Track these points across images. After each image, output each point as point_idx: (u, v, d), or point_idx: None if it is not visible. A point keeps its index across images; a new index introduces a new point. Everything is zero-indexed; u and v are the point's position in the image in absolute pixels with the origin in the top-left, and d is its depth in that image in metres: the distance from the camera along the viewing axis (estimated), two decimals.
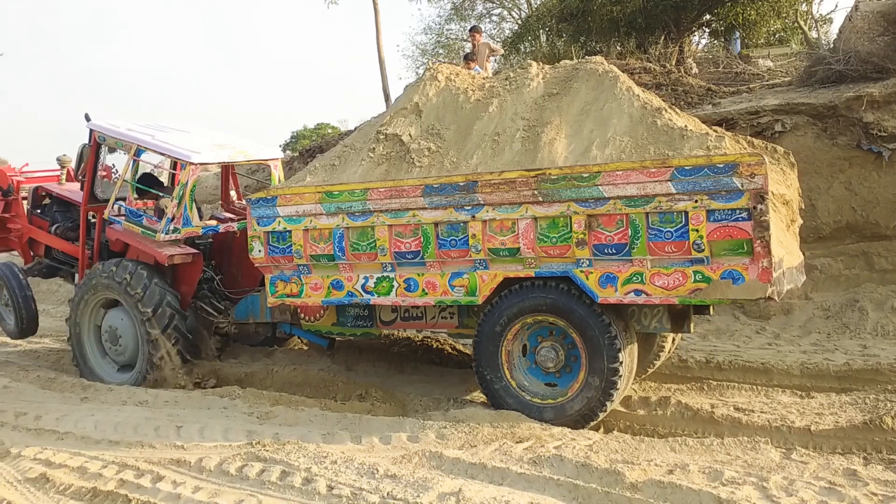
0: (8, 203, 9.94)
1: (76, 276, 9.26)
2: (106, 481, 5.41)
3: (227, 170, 9.69)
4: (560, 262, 6.07)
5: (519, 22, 23.32)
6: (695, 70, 14.69)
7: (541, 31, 18.23)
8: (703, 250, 5.55)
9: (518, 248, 6.13)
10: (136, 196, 8.85)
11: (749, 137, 7.11)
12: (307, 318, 7.72)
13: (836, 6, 41.42)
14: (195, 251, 8.37)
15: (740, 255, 5.50)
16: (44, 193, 9.85)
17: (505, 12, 25.86)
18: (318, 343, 8.35)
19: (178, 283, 8.31)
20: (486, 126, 7.06)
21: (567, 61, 7.62)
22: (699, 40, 18.20)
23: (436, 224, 6.37)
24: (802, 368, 7.70)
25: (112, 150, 8.90)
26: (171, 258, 8.06)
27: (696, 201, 5.50)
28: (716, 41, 17.27)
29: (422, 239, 6.43)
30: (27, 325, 9.27)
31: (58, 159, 9.91)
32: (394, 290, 6.67)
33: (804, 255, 7.28)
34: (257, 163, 9.45)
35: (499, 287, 6.37)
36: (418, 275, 6.57)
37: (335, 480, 5.08)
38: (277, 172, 9.29)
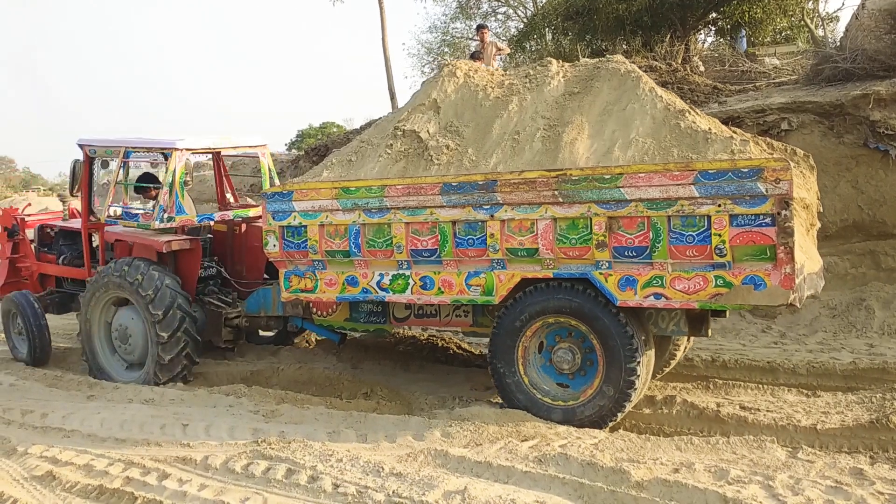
0: (15, 244, 10.06)
1: None
2: (112, 479, 5.42)
3: (219, 166, 9.71)
4: (579, 264, 6.02)
5: (524, 20, 23.29)
6: (701, 68, 14.66)
7: (546, 29, 18.20)
8: (726, 255, 5.49)
9: (537, 249, 6.08)
10: (133, 196, 8.93)
11: (769, 140, 7.02)
12: (320, 312, 7.71)
13: (843, 4, 41.33)
14: (193, 237, 8.40)
15: (763, 261, 5.45)
16: (48, 230, 9.97)
17: (510, 11, 25.84)
18: (330, 338, 8.34)
19: (179, 273, 8.34)
20: (506, 124, 6.98)
21: (587, 60, 7.55)
22: (705, 38, 18.19)
23: (453, 223, 6.32)
24: (809, 367, 7.68)
25: (105, 165, 9.02)
26: (168, 244, 8.10)
27: (720, 205, 5.45)
28: (722, 39, 17.24)
29: (439, 237, 6.38)
30: (40, 355, 9.33)
31: (59, 196, 10.01)
32: (409, 287, 6.62)
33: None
34: (244, 150, 9.48)
35: (516, 287, 6.32)
36: (434, 273, 6.52)
37: (341, 479, 5.08)
38: (266, 160, 9.31)
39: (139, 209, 8.76)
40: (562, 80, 7.19)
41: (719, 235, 5.48)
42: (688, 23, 15.09)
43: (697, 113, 6.73)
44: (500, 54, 13.41)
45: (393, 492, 4.84)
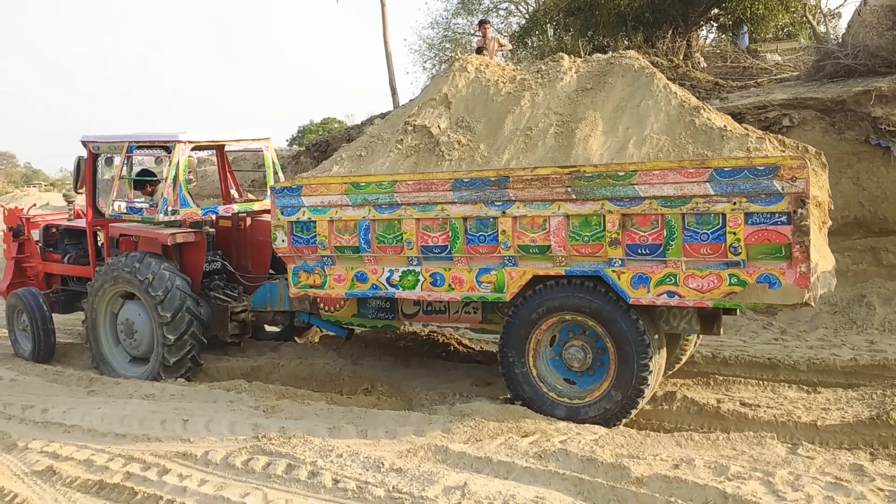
0: (21, 244, 10.06)
1: None
2: (112, 474, 5.43)
3: (223, 160, 9.70)
4: (591, 261, 5.99)
5: (526, 16, 23.26)
6: (702, 64, 14.64)
7: (548, 25, 18.17)
8: (740, 253, 5.47)
9: (549, 246, 6.05)
10: (135, 190, 8.94)
11: (780, 137, 6.97)
12: (327, 308, 7.69)
13: (845, 1, 41.16)
14: (197, 230, 8.39)
15: (778, 260, 5.43)
16: (53, 230, 9.97)
17: (512, 6, 25.80)
18: (338, 333, 8.33)
19: (184, 267, 8.33)
20: (518, 120, 6.93)
21: (599, 55, 7.50)
22: (707, 35, 18.12)
23: (465, 219, 6.28)
24: (809, 364, 7.67)
25: (109, 161, 9.01)
26: (173, 237, 8.08)
27: (735, 203, 5.42)
28: (724, 35, 17.18)
29: (450, 233, 6.35)
30: (43, 355, 9.34)
31: (64, 195, 9.99)
32: (419, 284, 6.58)
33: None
34: (248, 143, 9.47)
35: (527, 284, 6.29)
36: (445, 269, 6.49)
37: (341, 474, 5.09)
38: (270, 154, 9.30)
39: (143, 203, 8.76)
40: (574, 75, 7.14)
41: (734, 233, 5.45)
42: (689, 19, 15.05)
43: (712, 110, 6.70)
44: (501, 50, 13.39)
45: (393, 487, 4.85)
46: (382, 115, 13.96)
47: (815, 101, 10.25)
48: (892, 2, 11.19)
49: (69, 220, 10.06)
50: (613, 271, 5.92)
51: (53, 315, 9.42)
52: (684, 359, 7.56)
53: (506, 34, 21.43)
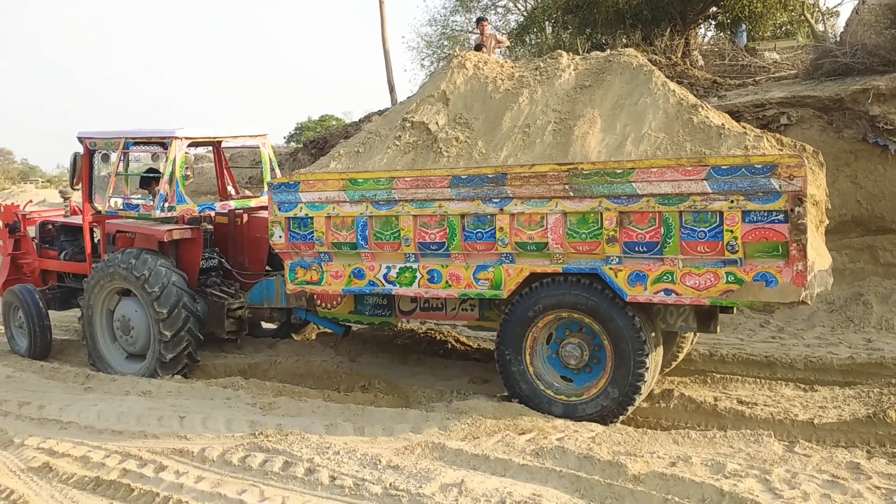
0: (17, 241, 10.05)
1: None
2: (109, 471, 5.42)
3: (220, 156, 9.70)
4: (589, 259, 5.99)
5: (524, 14, 23.25)
6: (701, 62, 14.64)
7: (546, 22, 18.16)
8: (737, 251, 5.47)
9: (546, 243, 6.05)
10: (134, 189, 8.92)
11: (778, 136, 6.98)
12: (324, 304, 7.67)
13: None
14: (194, 227, 8.39)
15: (775, 258, 5.43)
16: (50, 226, 9.96)
17: (510, 4, 25.78)
18: (335, 330, 8.32)
19: (180, 263, 8.33)
20: (516, 117, 6.92)
21: (598, 53, 7.49)
22: (705, 33, 18.14)
23: (462, 216, 6.28)
24: (806, 362, 7.69)
25: (105, 158, 9.01)
26: (169, 233, 8.08)
27: (732, 201, 5.42)
28: (722, 34, 17.18)
29: (447, 230, 6.34)
30: (39, 352, 9.33)
31: (60, 191, 9.96)
32: (416, 280, 6.58)
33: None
34: (245, 140, 9.47)
35: (525, 282, 6.28)
36: (442, 266, 6.48)
37: (338, 471, 5.08)
38: (267, 151, 9.30)
39: (140, 200, 8.75)
40: (572, 73, 7.13)
41: (731, 231, 5.46)
42: (688, 17, 15.05)
43: (710, 108, 6.69)
44: (499, 47, 13.37)
45: (390, 484, 4.84)
46: (380, 113, 13.95)
47: (813, 99, 10.25)
48: (890, 0, 11.20)
49: (65, 216, 10.05)
50: (611, 269, 5.92)
51: (49, 311, 9.40)
52: (681, 356, 7.56)
53: (504, 32, 21.41)
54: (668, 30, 14.44)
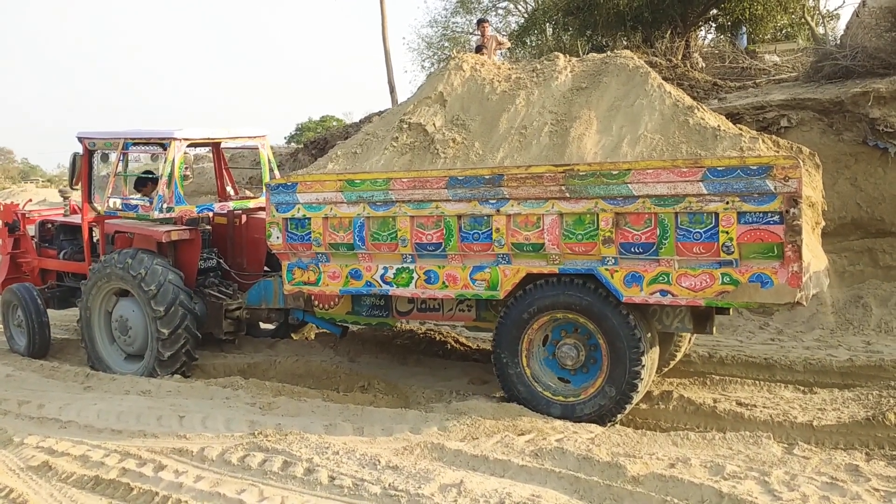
0: (16, 240, 10.06)
1: None
2: (108, 470, 5.42)
3: (219, 157, 9.70)
4: (585, 260, 6.00)
5: (525, 15, 23.27)
6: (701, 65, 14.64)
7: (547, 24, 18.18)
8: (733, 252, 5.48)
9: (542, 244, 6.06)
10: (132, 190, 8.92)
11: (774, 138, 7.01)
12: (321, 305, 7.68)
13: (844, 2, 41.14)
14: (192, 227, 8.39)
15: (770, 259, 5.45)
16: (49, 225, 9.97)
17: (511, 5, 25.83)
18: (332, 331, 8.33)
19: (179, 264, 8.33)
20: (513, 118, 6.94)
21: (594, 54, 7.51)
22: (705, 35, 18.16)
23: (459, 217, 6.29)
24: (805, 364, 7.69)
25: (105, 158, 9.03)
26: (167, 234, 8.10)
27: (728, 203, 5.44)
28: (722, 36, 17.21)
29: (444, 231, 6.35)
30: (38, 350, 9.33)
31: (60, 191, 9.97)
32: (413, 281, 6.59)
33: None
34: (244, 141, 9.48)
35: (521, 282, 6.29)
36: (439, 267, 6.49)
37: (337, 471, 5.09)
38: (266, 152, 9.30)
39: (138, 200, 8.76)
40: (569, 74, 7.16)
41: (727, 233, 5.47)
42: (688, 19, 15.07)
43: (706, 109, 6.71)
44: (500, 48, 13.39)
45: (389, 485, 4.84)
46: (381, 113, 13.96)
47: (813, 101, 10.26)
48: (890, 3, 11.23)
49: (65, 215, 10.06)
50: (607, 269, 5.94)
51: (49, 310, 9.41)
52: (678, 356, 7.57)
53: (505, 33, 21.44)
54: (669, 32, 14.46)
